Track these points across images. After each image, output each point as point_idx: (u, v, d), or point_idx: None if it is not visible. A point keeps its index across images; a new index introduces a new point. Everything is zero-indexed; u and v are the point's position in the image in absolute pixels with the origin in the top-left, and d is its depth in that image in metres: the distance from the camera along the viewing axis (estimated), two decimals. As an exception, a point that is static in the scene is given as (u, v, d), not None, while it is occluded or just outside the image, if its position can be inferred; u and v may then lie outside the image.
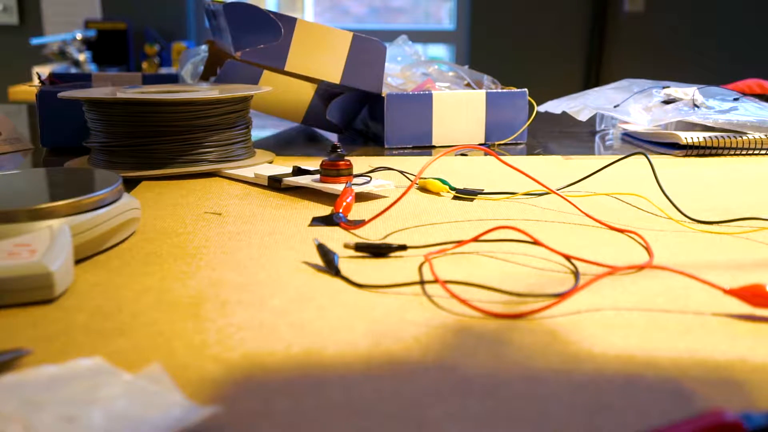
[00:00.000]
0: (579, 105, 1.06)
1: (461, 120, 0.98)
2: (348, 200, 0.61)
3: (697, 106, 0.99)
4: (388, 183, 0.68)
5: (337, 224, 0.58)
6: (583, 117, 1.05)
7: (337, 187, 0.65)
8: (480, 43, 3.24)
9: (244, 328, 0.38)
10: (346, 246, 0.50)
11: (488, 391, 0.32)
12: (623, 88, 1.10)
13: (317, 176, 0.69)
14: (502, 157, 0.64)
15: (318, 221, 0.59)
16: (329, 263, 0.47)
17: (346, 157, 0.68)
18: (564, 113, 1.15)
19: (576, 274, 0.47)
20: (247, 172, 0.74)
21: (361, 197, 0.67)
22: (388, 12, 3.53)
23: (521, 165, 0.67)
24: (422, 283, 0.45)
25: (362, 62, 0.93)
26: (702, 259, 0.51)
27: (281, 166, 0.76)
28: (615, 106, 1.03)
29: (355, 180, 0.67)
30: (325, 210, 0.63)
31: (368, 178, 0.68)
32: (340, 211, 0.59)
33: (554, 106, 1.10)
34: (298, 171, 0.71)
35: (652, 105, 1.01)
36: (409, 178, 0.74)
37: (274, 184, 0.70)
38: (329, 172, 0.67)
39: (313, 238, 0.53)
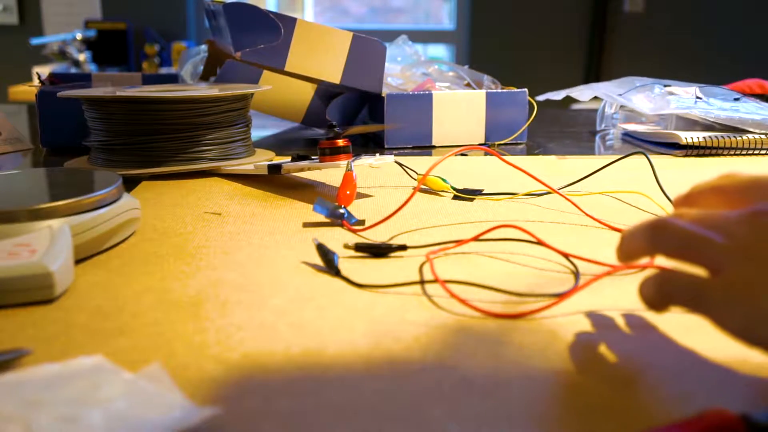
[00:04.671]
0: (581, 89, 1.06)
1: (461, 120, 0.98)
2: (349, 192, 0.61)
3: (699, 98, 0.99)
4: (388, 157, 0.68)
5: (337, 216, 0.58)
6: (584, 97, 1.05)
7: (338, 164, 0.65)
8: (480, 43, 3.24)
9: (244, 328, 0.38)
10: (346, 246, 0.50)
11: (488, 391, 0.32)
12: (625, 83, 1.10)
13: (317, 160, 0.68)
14: (503, 157, 0.64)
15: (320, 209, 0.58)
16: (329, 263, 0.47)
17: (344, 136, 0.67)
18: (564, 114, 1.15)
19: (576, 274, 0.47)
20: (247, 168, 0.75)
21: (363, 195, 0.67)
22: (388, 12, 3.53)
23: (521, 165, 0.67)
24: (422, 283, 0.45)
25: (362, 62, 0.93)
26: (702, 259, 0.51)
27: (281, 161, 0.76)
28: (618, 95, 1.03)
29: (354, 158, 0.67)
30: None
31: (367, 155, 0.68)
32: (344, 206, 0.59)
33: (555, 94, 1.10)
34: (297, 158, 0.71)
35: (655, 96, 1.01)
36: (410, 174, 0.74)
37: (275, 171, 0.70)
38: (328, 150, 0.66)
39: (312, 237, 0.53)
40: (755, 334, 0.32)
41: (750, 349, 0.33)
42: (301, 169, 0.69)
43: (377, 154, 0.69)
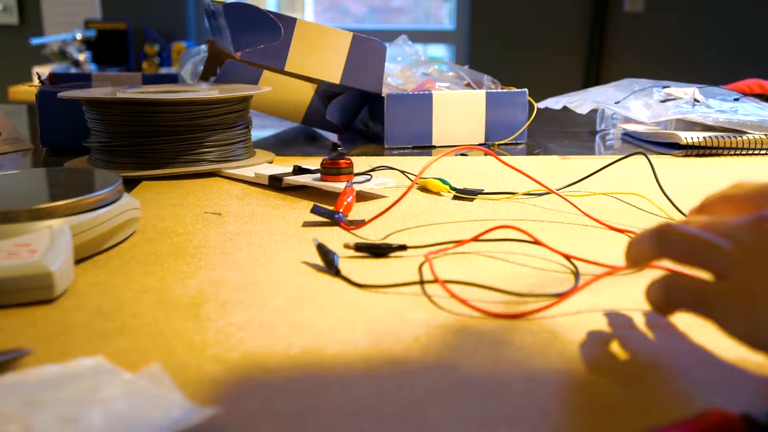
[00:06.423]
0: (579, 100, 1.06)
1: (461, 120, 0.98)
2: (348, 200, 0.61)
3: (697, 101, 0.99)
4: (389, 181, 0.68)
5: (335, 221, 0.58)
6: (583, 110, 1.05)
7: (338, 186, 0.65)
8: (480, 43, 3.24)
9: (244, 328, 0.38)
10: (346, 246, 0.50)
11: (488, 391, 0.32)
12: (624, 86, 1.10)
13: (318, 175, 0.69)
14: (501, 157, 0.64)
15: (318, 210, 0.59)
16: (329, 263, 0.47)
17: (347, 156, 0.68)
18: (564, 114, 1.15)
19: (576, 274, 0.47)
20: (247, 172, 0.74)
21: (362, 197, 0.67)
22: (388, 12, 3.53)
23: (521, 165, 0.67)
24: (422, 283, 0.45)
25: (362, 62, 0.93)
26: (702, 259, 0.51)
27: (281, 166, 0.76)
28: (616, 103, 1.03)
29: (356, 178, 0.67)
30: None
31: (369, 177, 0.68)
32: (341, 210, 0.59)
33: (554, 102, 1.10)
34: (298, 170, 0.71)
35: (653, 102, 1.01)
36: (409, 178, 0.74)
37: (275, 183, 0.70)
38: (330, 170, 0.67)
39: (312, 238, 0.53)
40: (759, 338, 0.32)
41: (754, 353, 0.33)
42: (302, 185, 0.69)
43: (379, 178, 0.69)
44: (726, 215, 0.37)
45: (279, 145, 0.99)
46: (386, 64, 0.97)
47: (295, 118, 1.07)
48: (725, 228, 0.34)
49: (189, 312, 0.41)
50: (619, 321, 0.40)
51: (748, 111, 0.98)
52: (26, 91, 2.37)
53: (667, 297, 0.36)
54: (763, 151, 0.91)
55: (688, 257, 0.35)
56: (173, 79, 1.05)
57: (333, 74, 0.92)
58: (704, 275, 0.35)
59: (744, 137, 0.91)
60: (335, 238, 0.54)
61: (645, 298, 0.38)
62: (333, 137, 1.06)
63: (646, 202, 0.65)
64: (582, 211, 0.61)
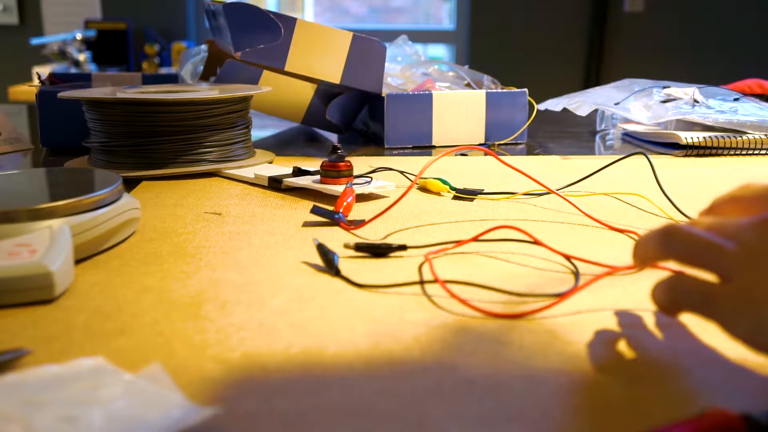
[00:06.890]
0: (579, 101, 1.06)
1: (461, 120, 0.98)
2: (348, 200, 0.61)
3: (697, 102, 0.99)
4: (389, 184, 0.68)
5: (334, 221, 0.58)
6: (582, 112, 1.05)
7: (338, 189, 0.65)
8: (480, 43, 3.24)
9: (244, 328, 0.38)
10: (346, 246, 0.50)
11: (488, 391, 0.32)
12: (624, 87, 1.10)
13: (317, 177, 0.69)
14: (501, 157, 0.64)
15: (318, 211, 0.59)
16: (329, 263, 0.47)
17: (347, 158, 0.68)
18: (564, 114, 1.15)
19: (576, 274, 0.47)
20: (247, 172, 0.74)
21: (362, 198, 0.67)
22: (388, 12, 3.53)
23: (521, 165, 0.67)
24: (422, 283, 0.45)
25: (362, 62, 0.93)
26: (702, 259, 0.50)
27: (281, 167, 0.76)
28: (615, 104, 1.03)
29: (356, 181, 0.67)
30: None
31: (369, 179, 0.68)
32: (341, 211, 0.59)
33: (554, 104, 1.10)
34: (298, 172, 0.71)
35: (653, 103, 1.01)
36: (409, 179, 0.74)
37: (275, 184, 0.70)
38: (329, 173, 0.67)
39: (313, 238, 0.53)
40: (762, 340, 0.32)
41: (756, 355, 0.33)
42: (302, 187, 0.69)
43: (378, 180, 0.69)
44: (734, 217, 0.37)
45: (279, 146, 0.99)
46: (386, 64, 0.97)
47: (295, 118, 1.07)
48: (731, 229, 0.34)
49: (189, 312, 0.41)
50: (619, 321, 0.40)
51: (748, 111, 0.98)
52: (26, 91, 2.36)
53: (672, 298, 0.36)
54: (763, 151, 0.91)
55: (694, 258, 0.35)
56: (173, 79, 1.05)
57: (333, 74, 0.92)
58: (710, 277, 0.35)
59: (744, 137, 0.91)
60: (335, 238, 0.54)
61: (650, 298, 0.38)
62: (333, 137, 1.06)
63: (646, 202, 0.65)
64: (582, 211, 0.61)
